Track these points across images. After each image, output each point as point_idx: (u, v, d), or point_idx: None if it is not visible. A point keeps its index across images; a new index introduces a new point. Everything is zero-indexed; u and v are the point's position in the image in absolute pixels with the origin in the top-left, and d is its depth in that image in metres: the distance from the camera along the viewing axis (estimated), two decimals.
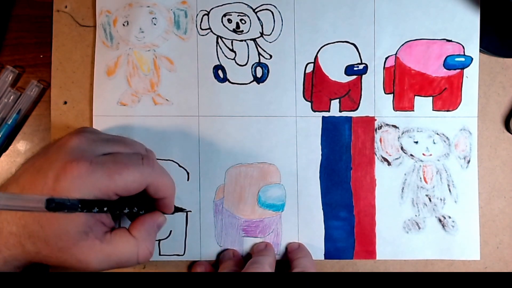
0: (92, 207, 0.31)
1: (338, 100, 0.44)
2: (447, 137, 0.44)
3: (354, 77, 0.44)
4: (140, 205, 0.37)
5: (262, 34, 0.44)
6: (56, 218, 0.31)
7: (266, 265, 0.38)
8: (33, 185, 0.32)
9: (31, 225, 0.32)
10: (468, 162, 0.44)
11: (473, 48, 0.44)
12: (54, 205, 0.29)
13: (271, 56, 0.44)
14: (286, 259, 0.43)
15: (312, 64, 0.44)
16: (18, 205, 0.29)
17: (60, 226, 0.31)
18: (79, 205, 0.31)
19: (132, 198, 0.35)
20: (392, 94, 0.44)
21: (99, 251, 0.33)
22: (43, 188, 0.31)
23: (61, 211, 0.30)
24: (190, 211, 0.43)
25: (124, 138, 0.38)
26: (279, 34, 0.44)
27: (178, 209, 0.41)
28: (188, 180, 0.43)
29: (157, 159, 0.43)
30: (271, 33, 0.44)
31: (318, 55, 0.44)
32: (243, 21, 0.44)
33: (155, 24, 0.43)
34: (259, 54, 0.44)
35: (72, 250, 0.32)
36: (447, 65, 0.44)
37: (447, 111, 0.44)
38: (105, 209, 0.32)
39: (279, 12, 0.44)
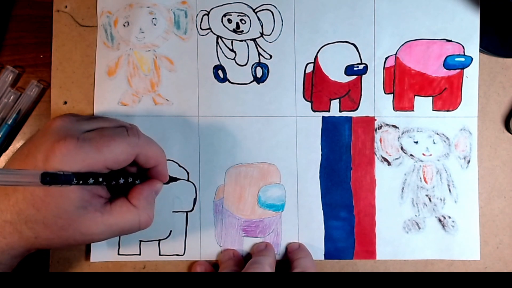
0: (87, 179, 0.32)
1: (338, 100, 0.44)
2: (447, 137, 0.44)
3: (354, 77, 0.44)
4: (135, 176, 0.37)
5: (262, 34, 0.44)
6: (52, 198, 0.31)
7: (266, 265, 0.38)
8: (23, 168, 0.32)
9: (27, 210, 0.32)
10: (468, 162, 0.44)
11: (473, 48, 0.44)
12: (49, 178, 0.29)
13: (271, 56, 0.44)
14: (286, 259, 0.43)
15: (312, 64, 0.44)
16: (12, 180, 0.28)
17: (57, 205, 0.32)
18: (74, 177, 0.31)
19: (125, 171, 0.36)
20: (392, 94, 0.44)
21: (100, 222, 0.33)
22: (34, 169, 0.32)
23: (56, 184, 0.30)
24: (182, 179, 0.42)
25: (106, 117, 0.39)
26: (279, 34, 0.44)
27: (172, 179, 0.41)
28: (188, 180, 0.43)
29: None
30: (271, 33, 0.44)
31: (318, 55, 0.44)
32: (243, 21, 0.44)
33: (155, 25, 0.43)
34: (259, 54, 0.44)
35: (74, 226, 0.32)
36: (447, 65, 0.44)
37: (447, 111, 0.44)
38: (100, 179, 0.33)
39: (279, 12, 0.44)
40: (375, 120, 0.44)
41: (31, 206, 0.32)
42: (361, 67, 0.44)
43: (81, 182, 0.31)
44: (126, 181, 0.36)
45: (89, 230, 0.33)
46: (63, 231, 0.32)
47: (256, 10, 0.44)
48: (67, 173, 0.30)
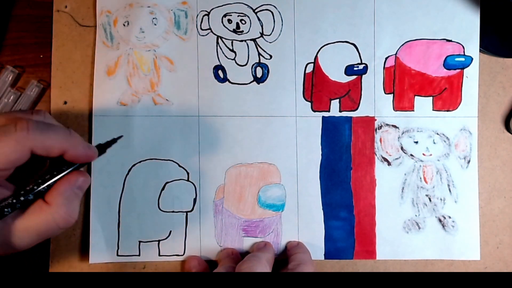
0: None
1: (338, 100, 0.44)
2: (447, 137, 0.44)
3: (354, 77, 0.44)
4: (52, 170, 0.33)
5: (262, 34, 0.44)
6: None
7: (264, 260, 0.38)
8: None
9: None
10: (468, 162, 0.44)
11: (473, 48, 0.44)
12: None
13: (271, 56, 0.44)
14: (286, 258, 0.43)
15: (312, 64, 0.44)
16: None
17: None
18: None
19: (36, 167, 0.33)
20: (392, 94, 0.44)
21: (15, 229, 0.30)
22: None
23: None
24: (121, 136, 0.36)
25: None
26: (279, 34, 0.44)
27: (106, 145, 0.36)
28: (188, 180, 0.43)
29: (157, 159, 0.43)
30: (271, 33, 0.44)
31: (318, 55, 0.44)
32: (243, 21, 0.44)
33: (155, 24, 0.43)
34: (259, 54, 0.44)
35: None
36: (447, 65, 0.44)
37: (447, 111, 0.44)
38: (8, 210, 0.30)
39: (279, 12, 0.44)
40: (375, 120, 0.44)
41: None
42: (361, 67, 0.44)
43: None
44: (36, 182, 0.32)
45: (6, 238, 0.30)
46: None
47: (256, 10, 0.44)
48: None
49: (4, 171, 0.30)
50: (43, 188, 0.32)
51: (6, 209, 0.30)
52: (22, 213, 0.31)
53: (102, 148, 0.35)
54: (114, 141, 0.36)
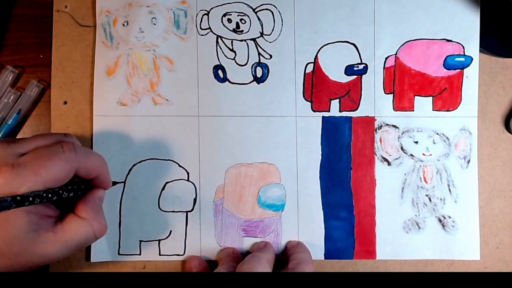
0: (27, 199, 0.31)
1: (338, 100, 0.44)
2: (447, 137, 0.44)
3: (354, 77, 0.44)
4: (77, 187, 0.36)
5: (262, 34, 0.44)
6: (0, 228, 0.31)
7: (264, 260, 0.38)
8: None
9: None
10: (468, 162, 0.44)
11: (473, 48, 0.44)
12: None
13: (271, 56, 0.44)
14: (286, 258, 0.43)
15: (312, 64, 0.44)
16: None
17: (7, 233, 0.31)
18: (12, 202, 0.30)
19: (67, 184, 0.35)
20: (392, 94, 0.44)
21: (55, 241, 0.33)
22: None
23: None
24: (119, 182, 0.42)
25: (40, 134, 0.37)
26: (279, 34, 0.44)
27: (114, 183, 0.40)
28: (188, 180, 0.43)
29: (157, 159, 0.43)
30: (271, 33, 0.44)
31: (318, 55, 0.44)
32: (243, 21, 0.44)
33: (155, 24, 0.43)
34: (259, 54, 0.44)
35: (29, 250, 0.32)
36: (447, 65, 0.44)
37: (447, 111, 0.44)
38: (38, 200, 0.32)
39: (279, 12, 0.44)
40: (375, 120, 0.44)
41: None
42: (361, 67, 0.44)
43: (26, 203, 0.31)
44: (68, 195, 0.35)
45: (45, 251, 0.33)
46: (20, 257, 0.32)
47: (256, 10, 0.44)
48: (2, 198, 0.30)
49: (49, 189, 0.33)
50: (65, 194, 0.35)
51: (37, 199, 0.32)
52: (61, 227, 0.34)
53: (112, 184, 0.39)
54: (116, 183, 0.41)
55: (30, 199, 0.31)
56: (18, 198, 0.31)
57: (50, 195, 0.33)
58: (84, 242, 0.35)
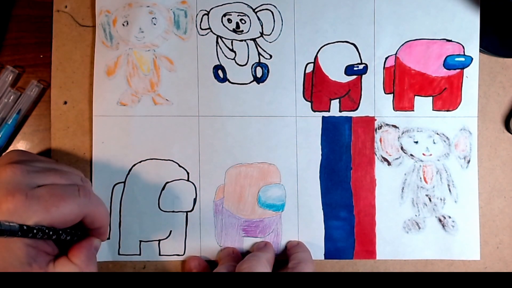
0: (32, 231, 0.31)
1: (338, 100, 0.44)
2: (447, 137, 0.44)
3: (354, 77, 0.44)
4: (74, 231, 0.36)
5: (262, 34, 0.44)
6: None
7: (264, 260, 0.38)
8: None
9: None
10: (468, 162, 0.44)
11: (473, 48, 0.44)
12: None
13: (271, 56, 0.44)
14: (286, 258, 0.43)
15: (312, 64, 0.44)
16: None
17: (4, 259, 0.31)
18: (19, 231, 0.30)
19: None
20: (392, 94, 0.44)
21: None
22: None
23: (1, 235, 0.29)
24: (109, 238, 0.42)
25: (60, 166, 0.38)
26: (279, 34, 0.44)
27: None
28: (188, 180, 0.43)
29: (157, 159, 0.43)
30: (271, 33, 0.44)
31: (318, 55, 0.44)
32: (243, 21, 0.44)
33: (155, 24, 0.43)
34: (259, 54, 0.44)
35: None
36: (447, 65, 0.44)
37: (447, 111, 0.44)
38: (40, 235, 0.32)
39: (279, 12, 0.44)
40: (375, 120, 0.44)
41: None
42: (361, 67, 0.44)
43: (29, 235, 0.31)
44: (66, 237, 0.35)
45: None
46: None
47: (256, 10, 0.44)
48: (13, 225, 0.30)
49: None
50: (63, 236, 0.34)
51: (40, 234, 0.32)
52: (52, 268, 0.33)
53: None
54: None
55: (34, 231, 0.31)
56: (25, 227, 0.31)
57: (51, 233, 0.33)
58: None
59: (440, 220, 0.44)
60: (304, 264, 0.39)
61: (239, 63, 0.44)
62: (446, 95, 0.44)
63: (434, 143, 0.44)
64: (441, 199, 0.44)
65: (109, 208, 0.42)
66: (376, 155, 0.44)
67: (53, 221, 0.32)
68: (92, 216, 0.35)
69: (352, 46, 0.44)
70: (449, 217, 0.44)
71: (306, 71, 0.44)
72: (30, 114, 0.43)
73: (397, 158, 0.44)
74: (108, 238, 0.40)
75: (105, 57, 0.43)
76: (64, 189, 0.34)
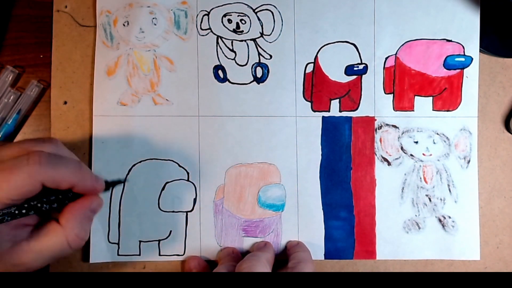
0: None
1: (338, 100, 0.44)
2: (447, 137, 0.44)
3: (354, 77, 0.44)
4: (64, 196, 0.34)
5: (262, 34, 0.44)
6: None
7: (264, 259, 0.38)
8: None
9: None
10: (468, 162, 0.44)
11: (473, 48, 0.44)
12: None
13: (271, 56, 0.44)
14: (286, 257, 0.43)
15: (312, 64, 0.44)
16: None
17: None
18: None
19: (50, 193, 0.34)
20: (392, 94, 0.44)
21: (29, 251, 0.32)
22: None
23: None
24: (124, 181, 0.42)
25: (12, 142, 0.35)
26: (279, 34, 0.44)
27: (112, 183, 0.38)
28: (188, 180, 0.43)
29: (157, 159, 0.43)
30: (271, 33, 0.44)
31: (318, 55, 0.44)
32: (243, 21, 0.44)
33: (155, 24, 0.43)
34: (259, 54, 0.44)
35: (4, 260, 0.31)
36: (447, 65, 0.44)
37: (447, 111, 0.44)
38: (8, 218, 0.31)
39: (279, 12, 0.44)
40: (375, 120, 0.44)
41: None
42: (361, 67, 0.44)
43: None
44: (51, 206, 0.33)
45: (20, 260, 0.32)
46: None
47: (256, 10, 0.44)
48: None
49: (15, 202, 0.32)
50: (45, 207, 0.33)
51: (7, 217, 0.31)
52: (37, 235, 0.32)
53: (107, 185, 0.36)
54: (119, 182, 0.40)
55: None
56: None
57: (24, 211, 0.32)
58: (59, 252, 0.33)
59: (440, 220, 0.44)
60: (304, 264, 0.39)
61: (239, 63, 0.44)
62: (446, 95, 0.44)
63: (434, 143, 0.44)
64: (441, 199, 0.44)
65: (108, 209, 0.42)
66: (376, 155, 0.44)
67: (9, 196, 0.30)
68: (51, 181, 0.32)
69: (352, 46, 0.44)
70: (449, 217, 0.44)
71: (306, 71, 0.44)
72: (30, 114, 0.43)
73: (397, 158, 0.44)
74: (113, 185, 0.38)
75: (106, 57, 0.43)
76: (12, 162, 0.31)
